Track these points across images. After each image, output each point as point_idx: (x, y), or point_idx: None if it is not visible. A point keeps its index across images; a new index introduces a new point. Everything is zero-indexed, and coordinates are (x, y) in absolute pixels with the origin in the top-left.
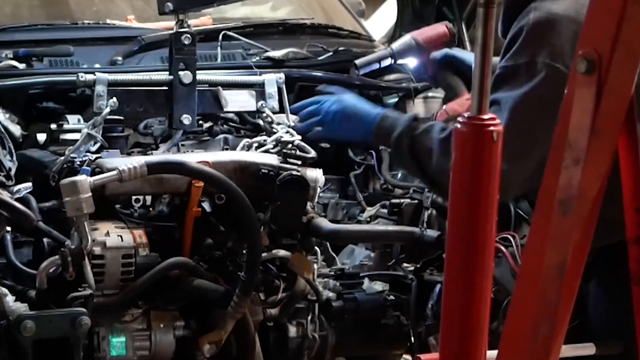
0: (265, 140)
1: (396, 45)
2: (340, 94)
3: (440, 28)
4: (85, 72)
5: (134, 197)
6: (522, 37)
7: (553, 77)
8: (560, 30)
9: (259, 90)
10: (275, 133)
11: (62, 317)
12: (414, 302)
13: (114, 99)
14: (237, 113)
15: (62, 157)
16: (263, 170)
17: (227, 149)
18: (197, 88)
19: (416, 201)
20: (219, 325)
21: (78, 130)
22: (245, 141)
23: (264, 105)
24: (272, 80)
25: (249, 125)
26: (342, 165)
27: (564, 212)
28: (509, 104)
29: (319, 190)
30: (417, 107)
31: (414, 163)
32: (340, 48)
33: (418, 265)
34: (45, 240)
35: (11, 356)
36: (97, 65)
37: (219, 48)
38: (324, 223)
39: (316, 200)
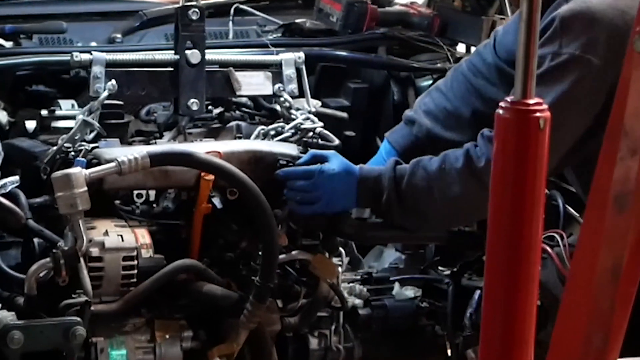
0: (283, 128)
1: None
2: (333, 163)
3: None
4: (80, 51)
5: (135, 192)
6: (553, 28)
7: (581, 70)
8: (595, 21)
9: (276, 71)
10: (294, 119)
11: (54, 327)
12: (450, 310)
13: (113, 81)
14: (251, 97)
15: (54, 147)
16: (281, 162)
17: (240, 138)
18: (206, 69)
19: None
20: (231, 336)
21: (72, 117)
22: (260, 129)
23: (281, 88)
24: (291, 60)
25: (264, 111)
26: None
27: (620, 209)
28: None
29: None
30: None
31: (411, 219)
32: None
33: (455, 269)
34: (35, 240)
35: None
36: (94, 44)
37: (230, 24)
38: (350, 221)
39: None
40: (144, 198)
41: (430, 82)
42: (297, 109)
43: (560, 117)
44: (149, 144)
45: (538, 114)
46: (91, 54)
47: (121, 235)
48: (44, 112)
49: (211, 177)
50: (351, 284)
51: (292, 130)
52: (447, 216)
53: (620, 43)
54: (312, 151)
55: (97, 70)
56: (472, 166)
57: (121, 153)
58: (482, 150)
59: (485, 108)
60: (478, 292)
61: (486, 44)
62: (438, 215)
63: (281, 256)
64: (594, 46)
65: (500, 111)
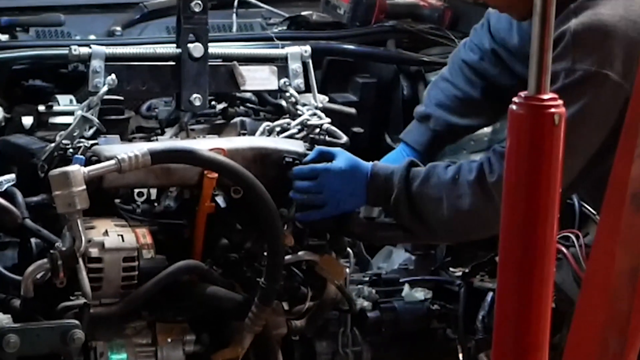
0: (288, 124)
1: None
2: (339, 161)
3: None
4: (79, 45)
5: (136, 191)
6: (564, 43)
7: (598, 86)
8: (609, 35)
9: (282, 65)
10: (300, 115)
11: (51, 331)
12: (462, 313)
13: (113, 76)
14: (256, 92)
15: (52, 144)
16: (287, 159)
17: (244, 135)
18: (210, 63)
19: None
20: (236, 339)
21: (71, 113)
22: (265, 125)
23: (287, 83)
24: (297, 54)
25: (269, 107)
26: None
27: (637, 208)
28: None
29: None
30: None
31: (418, 224)
32: None
33: (467, 270)
34: (32, 240)
35: None
36: (93, 37)
37: (234, 16)
38: (358, 221)
39: None
40: (145, 197)
41: None
42: (304, 105)
43: (576, 134)
44: (150, 140)
45: (553, 110)
46: (90, 47)
47: (121, 235)
48: (42, 108)
49: (214, 175)
50: (359, 286)
51: (299, 127)
52: (454, 228)
53: (636, 54)
54: (318, 148)
55: (96, 64)
56: (483, 180)
57: (121, 150)
58: (494, 166)
59: (492, 88)
60: (490, 294)
61: (482, 25)
62: (445, 226)
63: (287, 257)
64: (610, 60)
65: (514, 107)
